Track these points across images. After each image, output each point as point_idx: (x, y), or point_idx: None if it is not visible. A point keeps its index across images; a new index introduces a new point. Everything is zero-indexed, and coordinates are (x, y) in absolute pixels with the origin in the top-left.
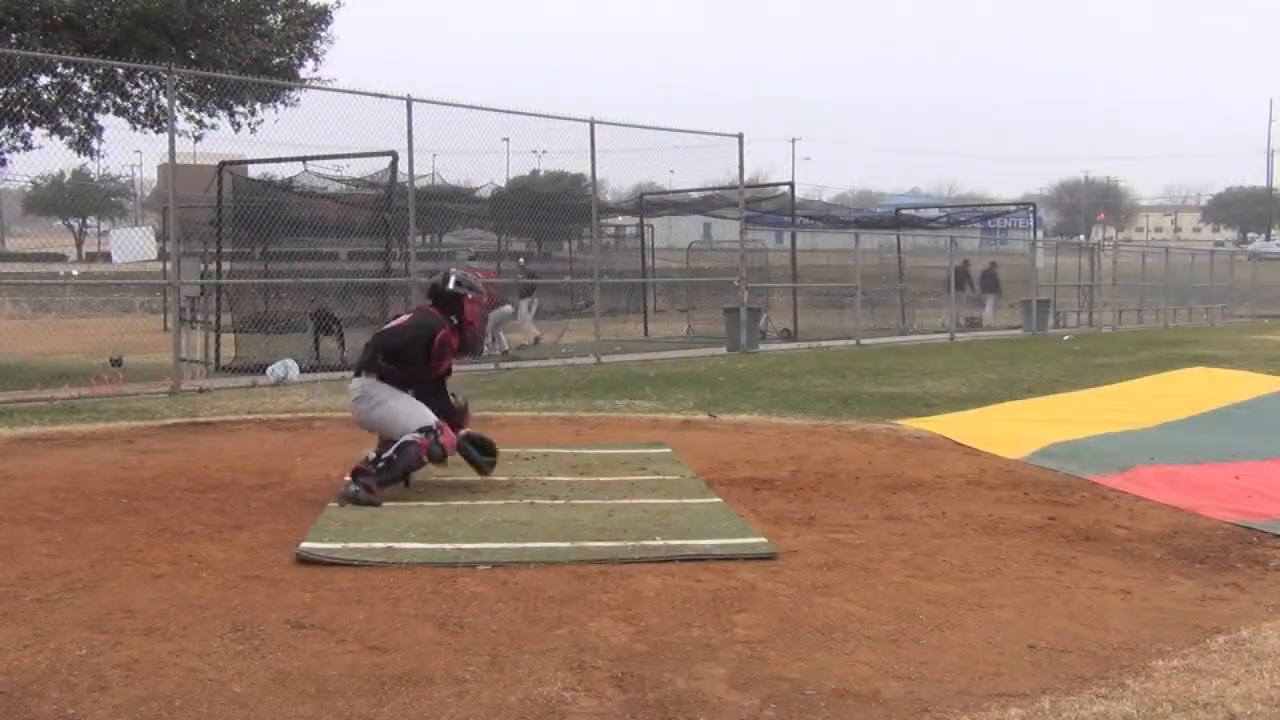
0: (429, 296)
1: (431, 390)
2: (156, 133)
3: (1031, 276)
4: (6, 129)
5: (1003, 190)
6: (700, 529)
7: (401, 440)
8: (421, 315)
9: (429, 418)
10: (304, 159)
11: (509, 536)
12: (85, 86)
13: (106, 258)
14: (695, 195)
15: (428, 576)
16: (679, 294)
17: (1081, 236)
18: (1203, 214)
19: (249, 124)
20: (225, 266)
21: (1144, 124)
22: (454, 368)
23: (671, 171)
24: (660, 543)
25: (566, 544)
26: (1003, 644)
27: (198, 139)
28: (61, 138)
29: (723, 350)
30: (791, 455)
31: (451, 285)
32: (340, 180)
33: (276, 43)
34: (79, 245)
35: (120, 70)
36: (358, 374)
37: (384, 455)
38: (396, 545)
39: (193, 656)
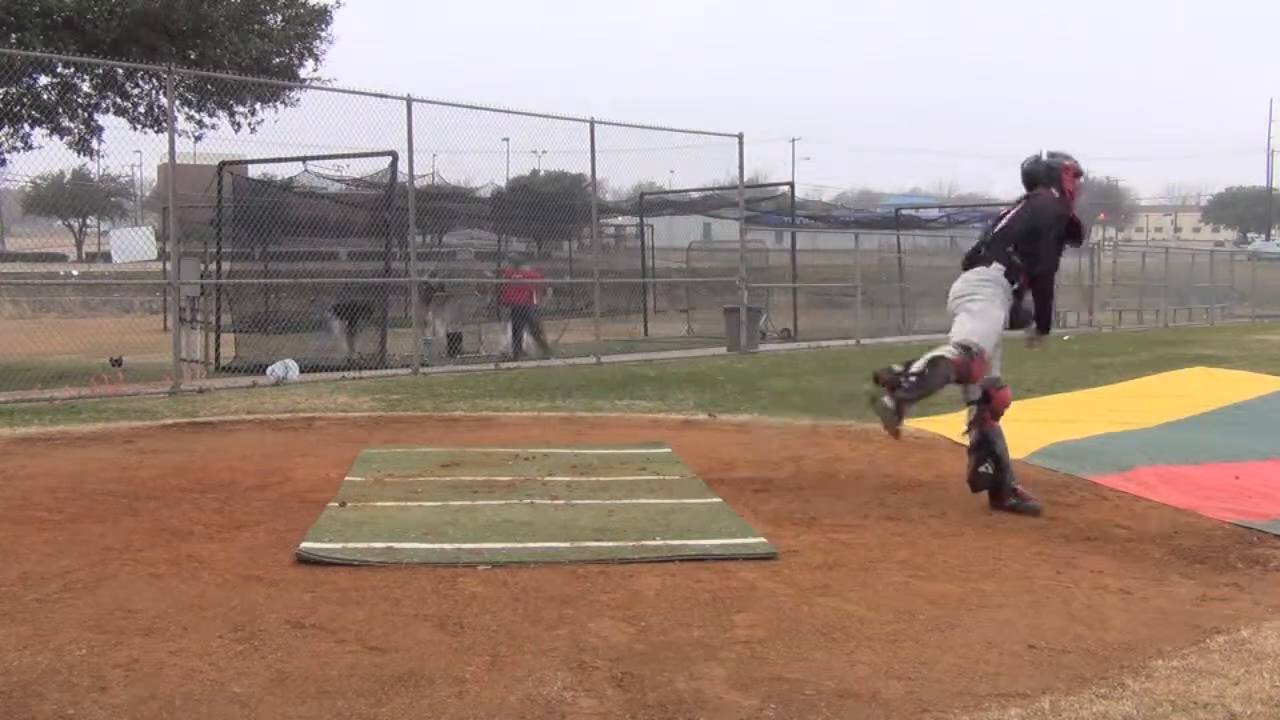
0: (1026, 183)
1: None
2: (156, 133)
3: None
4: (6, 129)
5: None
6: (700, 529)
7: (934, 355)
8: (1037, 201)
9: (979, 343)
10: (304, 159)
11: (509, 536)
12: (85, 86)
13: (106, 258)
14: (695, 195)
15: (428, 576)
16: (679, 294)
17: None
18: (1203, 214)
19: (249, 124)
20: (225, 266)
21: (1144, 124)
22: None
23: (671, 171)
24: (660, 543)
25: (566, 544)
26: (1003, 644)
27: (198, 139)
28: (61, 138)
29: (723, 350)
30: (791, 455)
31: (1045, 157)
32: (340, 180)
33: (276, 43)
34: (79, 245)
35: (120, 70)
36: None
37: (914, 370)
38: (396, 545)
39: (193, 656)
